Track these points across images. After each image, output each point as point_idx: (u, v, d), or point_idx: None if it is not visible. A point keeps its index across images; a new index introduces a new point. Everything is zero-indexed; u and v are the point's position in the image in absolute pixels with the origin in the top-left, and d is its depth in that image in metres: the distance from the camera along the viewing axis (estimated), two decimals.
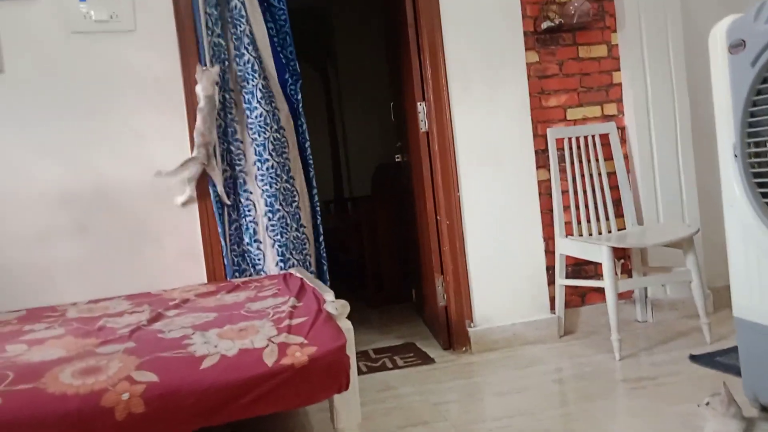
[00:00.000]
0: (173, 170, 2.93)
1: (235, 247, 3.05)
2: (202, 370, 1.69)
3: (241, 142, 3.04)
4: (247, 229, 3.04)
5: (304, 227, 3.19)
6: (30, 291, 2.84)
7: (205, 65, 2.93)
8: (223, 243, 2.99)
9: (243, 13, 3.01)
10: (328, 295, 2.12)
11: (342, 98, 6.43)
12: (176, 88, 2.95)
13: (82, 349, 1.95)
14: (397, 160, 4.11)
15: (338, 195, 6.56)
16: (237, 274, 3.05)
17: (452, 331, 3.30)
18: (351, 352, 1.87)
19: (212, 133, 2.91)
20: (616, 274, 2.93)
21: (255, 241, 3.04)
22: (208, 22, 2.92)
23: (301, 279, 2.61)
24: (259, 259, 3.03)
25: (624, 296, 3.41)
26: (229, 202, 3.02)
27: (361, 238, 4.83)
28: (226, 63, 3.01)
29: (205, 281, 3.01)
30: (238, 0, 2.99)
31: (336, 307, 1.97)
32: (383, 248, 4.71)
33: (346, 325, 1.95)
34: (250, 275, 3.05)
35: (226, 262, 3.00)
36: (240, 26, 3.02)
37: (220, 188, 2.96)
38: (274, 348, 1.77)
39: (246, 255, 3.06)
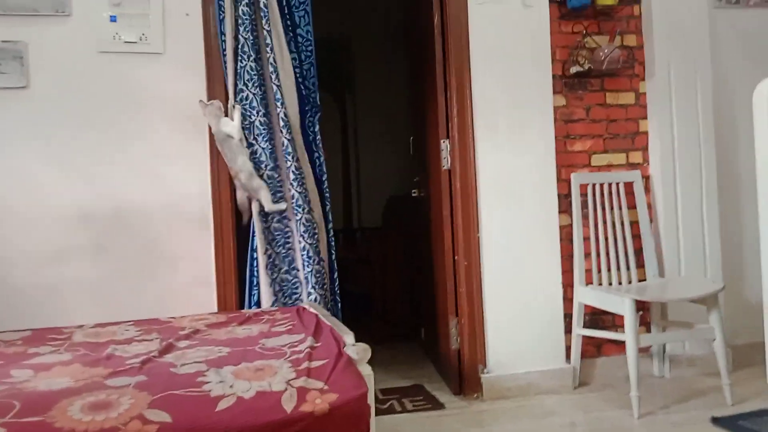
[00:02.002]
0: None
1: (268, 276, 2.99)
2: (217, 412, 1.61)
3: (278, 168, 2.99)
4: (286, 256, 2.97)
5: (323, 261, 3.12)
6: (37, 310, 2.78)
7: (228, 92, 2.90)
8: (263, 273, 2.93)
9: (268, 41, 2.98)
10: (348, 337, 2.04)
11: (358, 128, 6.41)
12: (200, 112, 2.91)
13: (91, 380, 1.87)
14: (413, 194, 4.06)
15: (347, 225, 6.50)
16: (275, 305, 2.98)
17: (464, 376, 3.21)
18: (371, 401, 1.79)
19: (237, 162, 2.86)
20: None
21: (293, 269, 2.97)
22: (245, 46, 2.89)
23: (316, 315, 2.54)
24: (296, 288, 2.96)
25: (641, 350, 3.31)
26: (283, 207, 2.97)
27: (369, 270, 4.76)
28: (262, 88, 2.97)
29: (215, 310, 2.94)
30: (265, 28, 2.96)
31: (357, 351, 1.90)
32: (392, 283, 4.63)
33: (367, 371, 1.88)
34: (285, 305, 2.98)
35: (261, 293, 2.92)
36: (266, 53, 2.99)
37: (267, 203, 2.91)
38: (293, 393, 1.69)
39: (283, 284, 3.00)
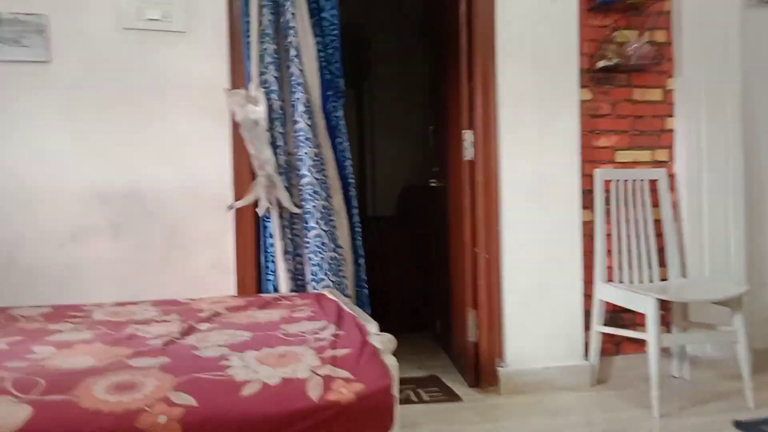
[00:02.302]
0: (243, 201, 2.87)
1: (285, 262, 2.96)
2: (243, 397, 1.59)
3: (290, 155, 2.96)
4: (301, 243, 2.96)
5: (341, 248, 3.09)
6: (56, 288, 2.77)
7: (250, 74, 2.86)
8: (280, 259, 2.91)
9: (292, 24, 2.94)
10: (372, 326, 2.02)
11: (374, 116, 6.36)
12: (222, 94, 2.88)
13: (114, 359, 1.85)
14: (431, 185, 4.03)
15: (362, 213, 6.46)
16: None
17: (481, 369, 3.18)
18: (396, 392, 1.76)
19: (264, 152, 2.83)
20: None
21: (308, 255, 2.97)
22: (268, 28, 2.86)
23: (337, 303, 2.52)
24: (315, 274, 2.94)
25: (661, 349, 3.28)
26: (298, 210, 2.94)
27: (383, 259, 4.72)
28: (282, 72, 2.94)
29: (234, 294, 2.92)
30: (290, 11, 2.92)
31: (382, 341, 1.87)
32: (406, 272, 4.60)
33: (391, 362, 1.85)
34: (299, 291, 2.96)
35: (279, 279, 2.90)
36: (288, 37, 2.95)
37: (287, 203, 2.89)
38: (319, 381, 1.66)
39: (297, 271, 2.98)
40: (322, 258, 2.97)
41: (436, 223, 4.12)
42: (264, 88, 2.88)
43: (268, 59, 2.89)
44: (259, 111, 2.81)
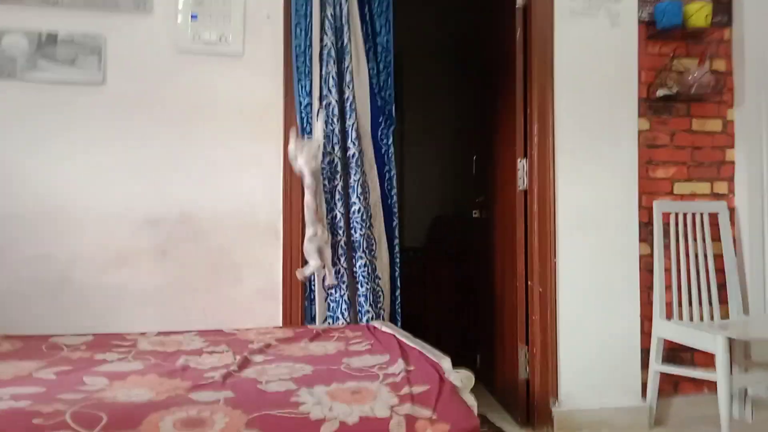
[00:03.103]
0: (310, 269, 2.76)
1: (324, 291, 2.86)
2: None
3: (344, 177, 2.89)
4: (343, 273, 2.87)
5: (380, 278, 2.99)
6: (97, 312, 2.69)
7: (310, 96, 2.78)
8: (318, 289, 2.81)
9: (349, 48, 2.88)
10: (445, 362, 1.89)
11: (403, 146, 6.29)
12: (276, 119, 2.83)
13: (173, 393, 1.74)
14: (474, 216, 3.92)
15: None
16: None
17: (533, 408, 3.03)
18: None
19: (323, 207, 2.75)
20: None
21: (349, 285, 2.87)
22: (331, 51, 2.79)
23: (394, 335, 2.40)
24: (360, 306, 2.83)
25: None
26: (334, 282, 2.84)
27: (416, 291, 4.60)
28: (342, 96, 2.87)
29: (280, 323, 2.81)
30: (347, 35, 2.87)
31: (461, 378, 1.75)
32: (440, 306, 4.47)
33: (471, 401, 1.73)
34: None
35: (317, 309, 2.80)
36: (344, 61, 2.89)
37: (328, 265, 2.80)
38: (401, 420, 1.54)
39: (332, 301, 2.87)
40: (368, 288, 2.88)
41: (476, 255, 4.00)
42: (327, 110, 2.81)
43: (331, 82, 2.82)
44: (317, 132, 2.74)
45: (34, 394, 1.71)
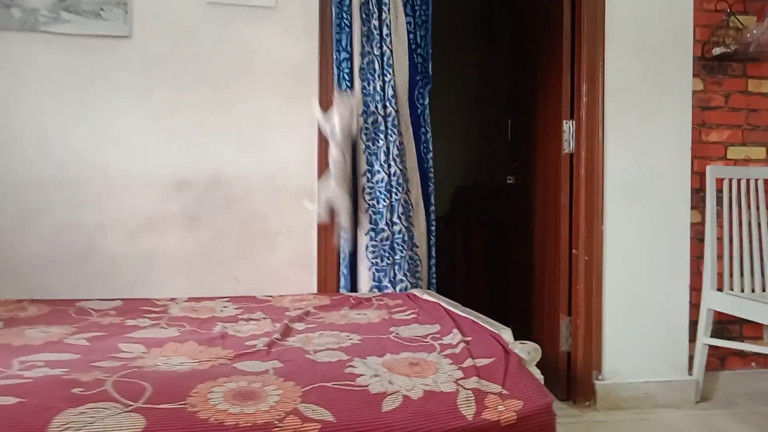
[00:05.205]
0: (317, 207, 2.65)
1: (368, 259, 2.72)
2: (385, 413, 1.34)
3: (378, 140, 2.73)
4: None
5: (417, 247, 2.85)
6: (126, 279, 2.56)
7: (348, 52, 2.62)
8: (364, 256, 2.68)
9: (386, 0, 2.71)
10: (506, 333, 1.76)
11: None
12: (310, 77, 2.67)
13: (217, 362, 1.63)
14: (509, 182, 3.77)
15: None
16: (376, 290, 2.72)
17: (575, 382, 2.91)
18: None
19: (348, 163, 2.60)
20: None
21: (386, 253, 2.74)
22: (369, 3, 2.62)
23: (439, 304, 2.27)
24: (392, 274, 2.70)
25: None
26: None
27: (443, 261, 4.46)
28: (381, 51, 2.71)
29: (314, 291, 2.69)
30: None
31: (528, 351, 1.62)
32: (469, 274, 4.34)
33: (539, 375, 1.60)
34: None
35: (359, 276, 2.67)
36: (381, 14, 2.71)
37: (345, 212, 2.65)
38: (469, 395, 1.41)
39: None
40: (402, 257, 2.74)
41: (509, 222, 3.86)
42: (368, 68, 2.66)
43: (371, 36, 2.65)
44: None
45: (70, 360, 1.60)
